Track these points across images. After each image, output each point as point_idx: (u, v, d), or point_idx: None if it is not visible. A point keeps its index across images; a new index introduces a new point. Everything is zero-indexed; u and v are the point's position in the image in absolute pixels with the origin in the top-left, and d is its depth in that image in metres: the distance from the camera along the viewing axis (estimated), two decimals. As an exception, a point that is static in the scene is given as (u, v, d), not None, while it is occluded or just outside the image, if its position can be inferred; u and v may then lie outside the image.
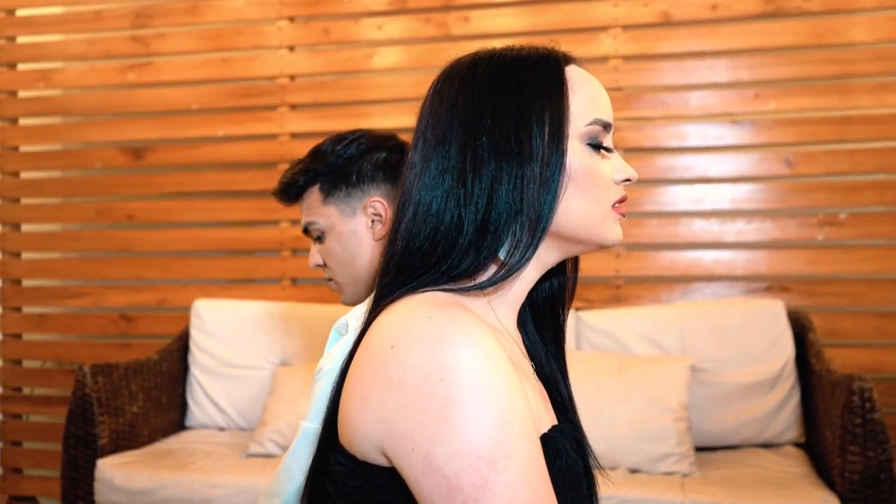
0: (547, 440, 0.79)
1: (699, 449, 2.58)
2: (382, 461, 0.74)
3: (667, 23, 2.95)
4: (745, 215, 2.91)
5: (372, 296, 0.89)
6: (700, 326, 2.70)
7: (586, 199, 0.84)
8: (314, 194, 1.36)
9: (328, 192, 1.34)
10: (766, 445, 2.61)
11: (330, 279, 1.38)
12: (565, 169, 0.83)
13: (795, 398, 2.62)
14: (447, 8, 3.11)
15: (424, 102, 0.89)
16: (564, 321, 1.00)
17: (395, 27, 3.15)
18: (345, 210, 1.34)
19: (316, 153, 1.37)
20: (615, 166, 0.88)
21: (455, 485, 0.68)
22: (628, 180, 0.89)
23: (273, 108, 3.24)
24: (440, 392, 0.69)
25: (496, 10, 3.07)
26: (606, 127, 0.87)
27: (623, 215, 0.89)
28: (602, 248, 0.88)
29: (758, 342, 2.65)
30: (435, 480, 0.68)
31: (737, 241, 2.91)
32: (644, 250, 2.97)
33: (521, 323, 0.98)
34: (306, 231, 1.39)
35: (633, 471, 2.43)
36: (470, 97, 0.84)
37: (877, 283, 2.83)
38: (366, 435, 0.73)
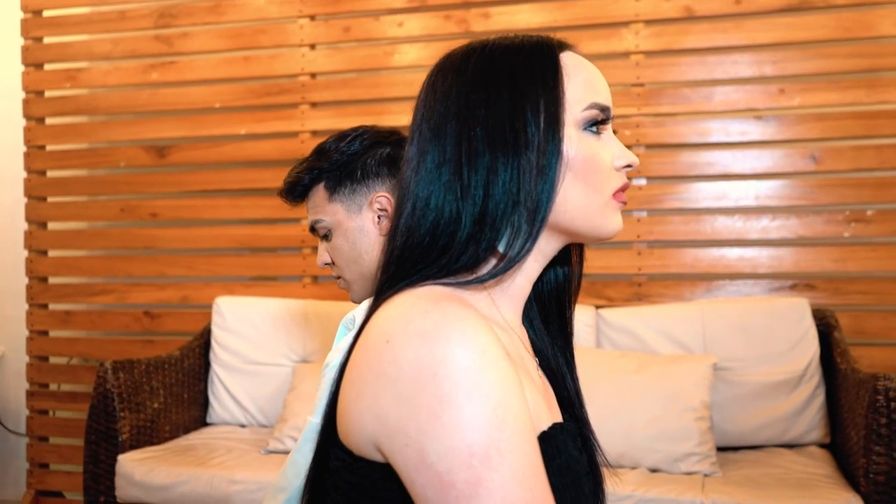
0: (547, 438, 0.78)
1: (721, 449, 2.54)
2: (378, 457, 0.73)
3: (689, 17, 2.92)
4: (770, 212, 2.87)
5: None
6: (723, 325, 2.66)
7: (585, 188, 0.83)
8: (319, 192, 1.36)
9: (333, 190, 1.34)
10: (790, 446, 2.57)
11: (339, 277, 1.38)
12: (562, 157, 0.81)
13: (820, 398, 2.58)
14: (467, 4, 3.10)
15: (419, 96, 0.88)
16: (571, 314, 0.99)
17: (415, 24, 3.15)
18: (351, 207, 1.33)
19: (319, 151, 1.37)
20: (615, 152, 0.86)
21: (448, 481, 0.66)
22: (629, 166, 0.86)
23: (294, 105, 3.25)
24: (434, 387, 0.68)
25: (516, 6, 3.05)
26: (604, 111, 0.85)
27: (624, 203, 0.86)
28: (601, 239, 0.86)
29: (782, 341, 2.61)
30: (428, 476, 0.67)
31: (761, 239, 2.87)
32: (666, 247, 2.94)
33: (528, 317, 0.96)
34: (313, 230, 1.38)
35: (654, 470, 2.40)
36: (463, 88, 0.83)
37: (905, 281, 2.77)
38: (361, 430, 0.73)
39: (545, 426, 0.79)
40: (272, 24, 3.29)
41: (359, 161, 1.34)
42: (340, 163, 1.34)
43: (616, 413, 2.44)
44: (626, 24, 2.96)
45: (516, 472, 0.67)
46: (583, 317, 2.76)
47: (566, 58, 0.85)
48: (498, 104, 0.81)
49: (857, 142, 2.83)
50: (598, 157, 0.83)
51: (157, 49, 3.39)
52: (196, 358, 3.01)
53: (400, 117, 3.12)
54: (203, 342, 3.06)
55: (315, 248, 3.20)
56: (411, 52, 3.15)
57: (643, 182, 2.95)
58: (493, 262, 0.83)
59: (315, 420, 1.19)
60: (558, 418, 0.88)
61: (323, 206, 1.35)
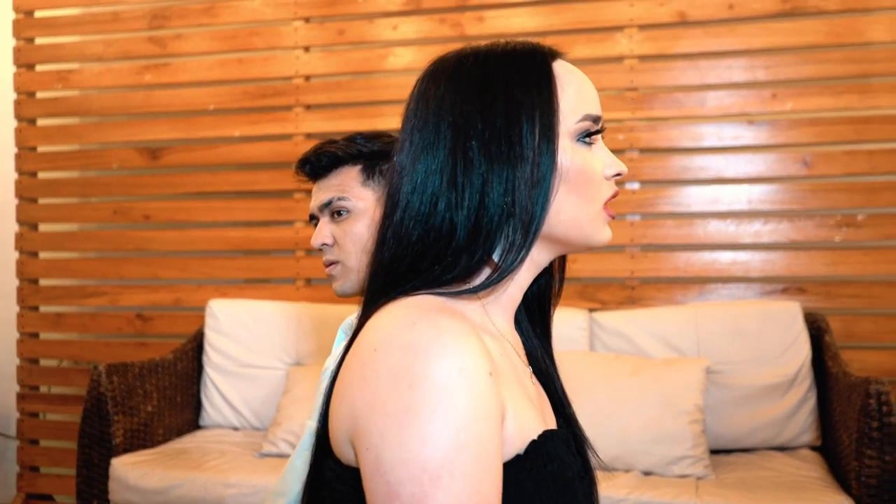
0: (537, 446, 0.77)
1: (714, 451, 2.56)
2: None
3: (683, 22, 2.93)
4: (762, 216, 2.88)
5: None
6: (716, 328, 2.68)
7: (578, 199, 0.83)
8: (351, 173, 1.32)
9: (368, 175, 1.32)
10: (782, 448, 2.58)
11: (333, 262, 1.33)
12: (556, 169, 0.81)
13: (811, 401, 2.60)
14: (462, 8, 3.10)
15: (409, 104, 0.87)
16: (551, 318, 0.99)
17: (409, 27, 3.15)
18: (381, 199, 1.32)
19: (350, 139, 1.35)
20: (605, 161, 0.86)
21: (394, 492, 0.67)
22: (618, 174, 0.87)
23: (288, 108, 3.25)
24: (405, 398, 0.68)
25: (511, 10, 3.06)
26: (596, 121, 0.85)
27: (612, 217, 0.87)
28: (591, 248, 0.87)
29: (774, 344, 2.63)
30: (378, 484, 0.68)
31: (753, 243, 2.89)
32: (659, 251, 2.96)
33: (517, 320, 0.96)
34: (326, 206, 1.33)
35: (647, 473, 2.41)
36: (456, 98, 0.82)
37: (895, 285, 2.79)
38: (342, 434, 0.74)
39: (536, 434, 0.79)
40: (266, 26, 3.28)
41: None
42: (383, 152, 1.33)
43: (610, 416, 2.45)
44: (620, 28, 2.97)
45: (463, 498, 0.67)
46: (576, 320, 2.77)
47: (558, 67, 0.85)
48: (493, 115, 0.81)
49: (848, 146, 2.85)
50: (591, 169, 0.84)
51: (151, 51, 3.38)
52: (189, 361, 3.00)
53: (394, 120, 3.10)
54: (196, 345, 3.05)
55: (311, 252, 3.21)
56: (406, 55, 3.16)
57: (636, 186, 2.97)
58: (485, 272, 0.83)
59: (314, 424, 1.19)
60: (552, 424, 0.89)
61: (352, 188, 1.31)
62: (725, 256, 2.90)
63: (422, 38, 3.15)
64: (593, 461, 0.97)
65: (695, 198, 2.93)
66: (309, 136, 3.23)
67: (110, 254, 3.45)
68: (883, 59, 2.80)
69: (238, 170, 3.32)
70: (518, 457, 0.76)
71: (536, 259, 0.87)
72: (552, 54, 0.87)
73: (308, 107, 3.24)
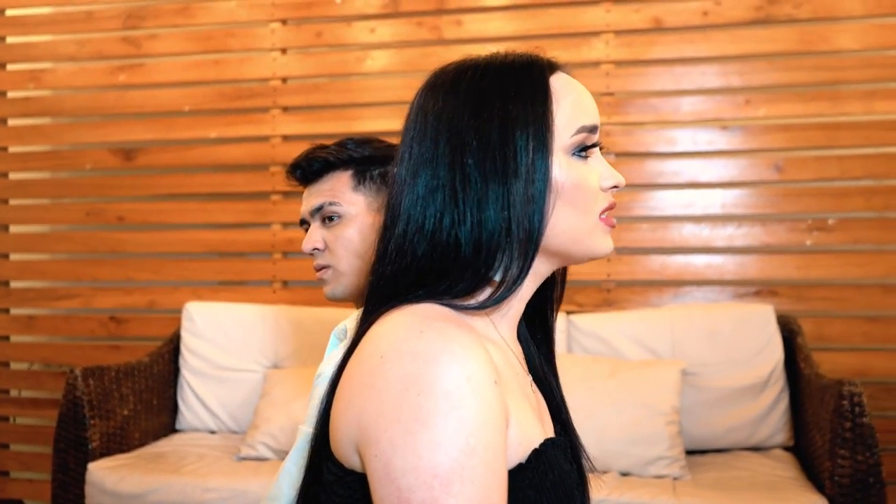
0: (539, 455, 0.79)
1: (689, 452, 2.60)
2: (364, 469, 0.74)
3: (658, 28, 2.97)
4: (736, 220, 2.93)
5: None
6: (691, 330, 2.72)
7: (574, 213, 0.84)
8: (342, 178, 1.34)
9: (359, 181, 1.33)
10: (755, 449, 2.63)
11: (324, 267, 1.34)
12: (551, 185, 0.82)
13: (784, 402, 2.64)
14: (440, 12, 3.12)
15: (409, 115, 0.87)
16: (553, 323, 1.01)
17: (387, 30, 3.16)
18: (372, 204, 1.33)
19: (341, 144, 1.36)
20: (602, 173, 0.87)
21: (406, 498, 0.68)
22: (616, 187, 0.88)
23: (265, 110, 3.24)
24: (414, 406, 0.69)
25: (489, 15, 3.08)
26: (593, 130, 0.86)
27: (612, 226, 0.88)
28: (592, 259, 0.88)
29: (748, 346, 2.67)
30: (389, 490, 0.69)
31: (727, 246, 2.94)
32: (635, 254, 2.99)
33: (517, 327, 0.97)
34: (317, 211, 1.34)
35: (625, 474, 2.44)
36: (454, 113, 0.83)
37: (864, 288, 2.86)
38: (347, 441, 0.74)
39: (537, 443, 0.80)
40: (243, 27, 3.27)
41: (388, 163, 1.34)
42: (374, 158, 1.34)
43: (588, 418, 2.47)
44: (596, 34, 3.00)
45: (474, 503, 0.68)
46: (554, 323, 2.79)
47: (555, 80, 0.86)
48: (488, 131, 0.81)
49: (819, 152, 2.91)
50: (587, 182, 0.85)
51: (125, 51, 3.35)
52: (166, 364, 2.98)
53: (371, 122, 3.13)
54: (172, 348, 3.03)
55: (287, 254, 3.20)
56: (383, 58, 3.16)
57: (612, 190, 3.00)
58: (490, 288, 0.84)
59: (308, 430, 1.19)
60: (551, 432, 0.90)
61: (343, 193, 1.33)
62: (700, 260, 2.95)
63: (399, 41, 3.15)
64: (587, 467, 0.99)
65: (670, 202, 2.97)
66: (286, 138, 3.22)
67: (83, 255, 3.41)
68: (852, 66, 2.86)
69: (214, 171, 3.31)
70: (520, 465, 0.77)
71: (539, 271, 0.88)
72: (550, 67, 0.87)
73: (285, 109, 3.23)
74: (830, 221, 2.87)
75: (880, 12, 2.84)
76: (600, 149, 0.89)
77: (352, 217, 1.32)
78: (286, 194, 3.19)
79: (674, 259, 2.96)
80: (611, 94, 2.99)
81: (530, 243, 0.82)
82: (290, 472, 1.23)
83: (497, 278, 0.83)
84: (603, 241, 0.87)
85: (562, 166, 0.83)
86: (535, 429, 0.81)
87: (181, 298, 3.22)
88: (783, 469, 2.43)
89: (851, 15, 2.86)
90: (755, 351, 2.67)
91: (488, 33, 3.06)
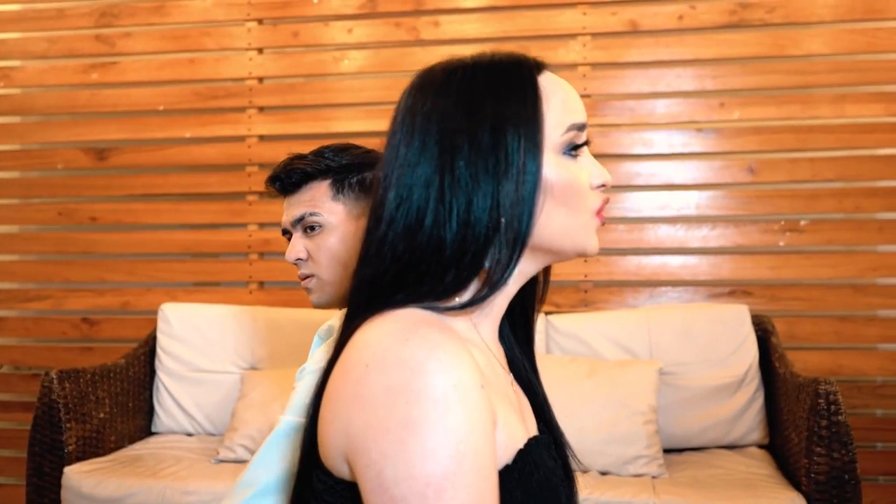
0: (524, 455, 0.79)
1: (666, 451, 2.63)
2: (354, 478, 0.74)
3: (634, 31, 3.00)
4: (710, 221, 2.97)
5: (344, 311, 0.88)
6: (667, 330, 2.75)
7: (566, 212, 0.84)
8: (321, 188, 1.34)
9: (338, 189, 1.34)
10: (731, 447, 2.67)
11: (308, 276, 1.34)
12: (541, 185, 0.82)
13: (759, 401, 2.69)
14: (417, 12, 3.12)
15: (395, 117, 0.86)
16: (534, 321, 1.01)
17: (364, 31, 3.15)
18: (352, 211, 1.33)
19: (318, 153, 1.36)
20: (591, 171, 0.87)
21: None
22: (603, 185, 0.88)
23: (241, 110, 3.22)
24: (403, 415, 0.69)
25: (466, 16, 3.09)
26: (581, 128, 0.86)
27: (602, 223, 0.88)
28: (582, 255, 0.88)
29: (723, 346, 2.71)
30: (382, 500, 0.69)
31: (701, 247, 2.98)
32: (611, 255, 3.02)
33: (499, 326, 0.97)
34: (298, 222, 1.34)
35: (604, 473, 2.47)
36: (443, 114, 0.82)
37: (835, 288, 2.91)
38: (336, 450, 0.74)
39: (522, 443, 0.80)
40: (218, 26, 3.24)
41: (366, 170, 1.34)
42: (351, 165, 1.34)
43: (567, 418, 2.47)
44: (573, 36, 3.03)
45: None
46: (532, 323, 2.80)
47: (543, 80, 0.86)
48: (479, 131, 0.81)
49: (791, 154, 2.96)
50: (577, 181, 0.85)
51: (98, 49, 3.30)
52: (141, 366, 2.95)
53: (348, 123, 3.12)
54: (148, 349, 3.00)
55: (263, 254, 3.18)
56: (360, 58, 3.15)
57: (589, 191, 3.02)
58: (473, 286, 0.84)
59: (291, 418, 1.18)
60: (534, 430, 0.91)
61: (323, 202, 1.33)
62: (675, 260, 2.98)
63: (377, 41, 3.15)
64: (573, 464, 1.00)
65: (645, 203, 3.00)
66: (262, 137, 3.20)
67: (54, 256, 3.36)
68: (822, 70, 2.92)
69: (189, 171, 3.28)
70: (507, 467, 0.77)
71: (525, 270, 0.87)
72: (538, 66, 0.87)
73: (261, 109, 3.21)
74: (802, 223, 2.93)
75: (850, 17, 2.89)
76: (588, 147, 0.89)
77: (333, 226, 1.33)
78: (262, 195, 3.17)
79: (650, 260, 3.00)
80: (587, 95, 3.01)
81: (517, 243, 0.81)
82: (268, 459, 1.21)
83: (482, 278, 0.83)
84: (593, 238, 0.87)
85: (552, 165, 0.83)
86: (519, 428, 0.82)
87: (155, 300, 3.19)
88: (759, 467, 2.47)
89: (822, 20, 2.91)
90: (730, 350, 2.70)
91: (466, 34, 3.07)
